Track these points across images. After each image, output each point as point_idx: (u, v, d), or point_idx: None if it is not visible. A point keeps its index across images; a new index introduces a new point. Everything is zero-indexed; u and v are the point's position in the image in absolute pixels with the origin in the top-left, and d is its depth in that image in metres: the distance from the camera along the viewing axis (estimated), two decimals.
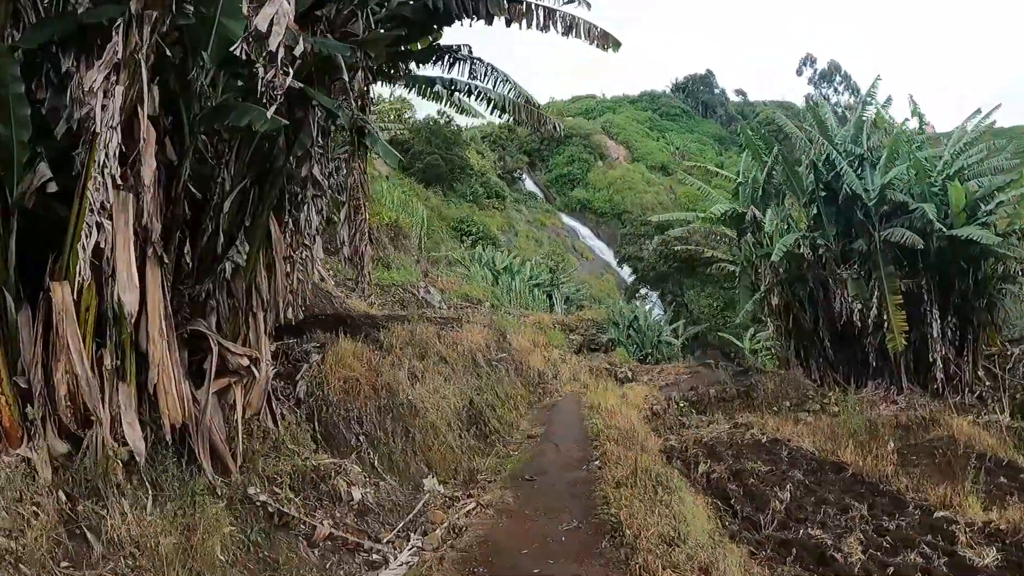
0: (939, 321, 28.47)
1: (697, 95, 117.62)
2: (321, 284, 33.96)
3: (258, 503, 10.01)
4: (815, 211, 29.94)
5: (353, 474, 11.73)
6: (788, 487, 15.31)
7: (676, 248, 39.40)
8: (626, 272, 76.52)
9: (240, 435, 10.48)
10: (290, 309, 13.19)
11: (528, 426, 19.78)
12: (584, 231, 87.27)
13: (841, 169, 28.06)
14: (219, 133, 11.04)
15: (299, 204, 12.64)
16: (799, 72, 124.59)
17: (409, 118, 78.97)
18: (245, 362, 10.69)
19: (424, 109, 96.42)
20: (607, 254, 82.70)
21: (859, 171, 28.79)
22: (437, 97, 17.38)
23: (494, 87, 16.22)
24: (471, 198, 78.28)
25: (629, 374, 33.16)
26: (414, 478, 13.35)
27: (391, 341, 16.65)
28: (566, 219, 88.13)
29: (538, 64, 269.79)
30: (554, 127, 16.82)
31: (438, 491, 13.09)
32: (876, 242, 28.04)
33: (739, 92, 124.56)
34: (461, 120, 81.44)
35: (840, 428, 21.18)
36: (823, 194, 29.37)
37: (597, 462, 14.44)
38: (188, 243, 10.54)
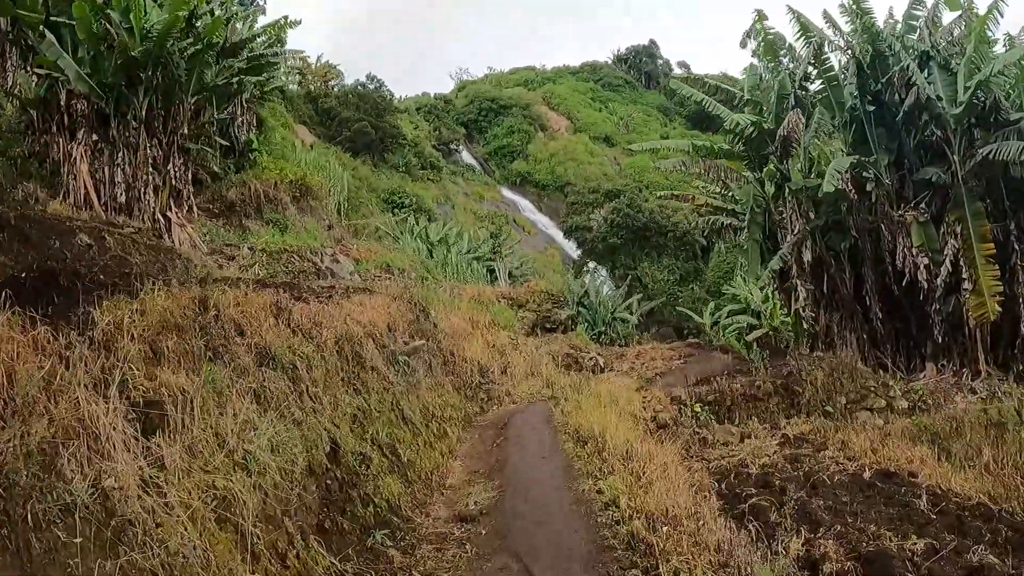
0: None
1: (640, 66, 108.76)
2: (192, 250, 24.95)
3: None
4: (854, 134, 20.70)
5: None
6: None
7: (658, 194, 29.65)
8: (572, 247, 67.98)
9: None
10: None
11: (461, 480, 10.06)
12: (525, 204, 77.72)
13: (905, 68, 18.88)
14: None
15: None
16: (743, 44, 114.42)
17: (335, 85, 71.04)
18: None
19: (352, 75, 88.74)
20: (551, 228, 73.57)
21: (926, 75, 19.56)
22: None
23: None
24: (404, 169, 69.24)
25: (600, 361, 23.55)
26: None
27: (114, 319, 6.59)
28: (506, 192, 78.82)
29: (478, 36, 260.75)
30: None
31: None
32: (956, 169, 18.85)
33: (682, 64, 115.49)
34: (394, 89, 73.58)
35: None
36: (870, 108, 20.06)
37: None
38: None
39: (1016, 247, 19.42)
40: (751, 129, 20.66)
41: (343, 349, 9.69)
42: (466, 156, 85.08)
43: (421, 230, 49.91)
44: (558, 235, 71.17)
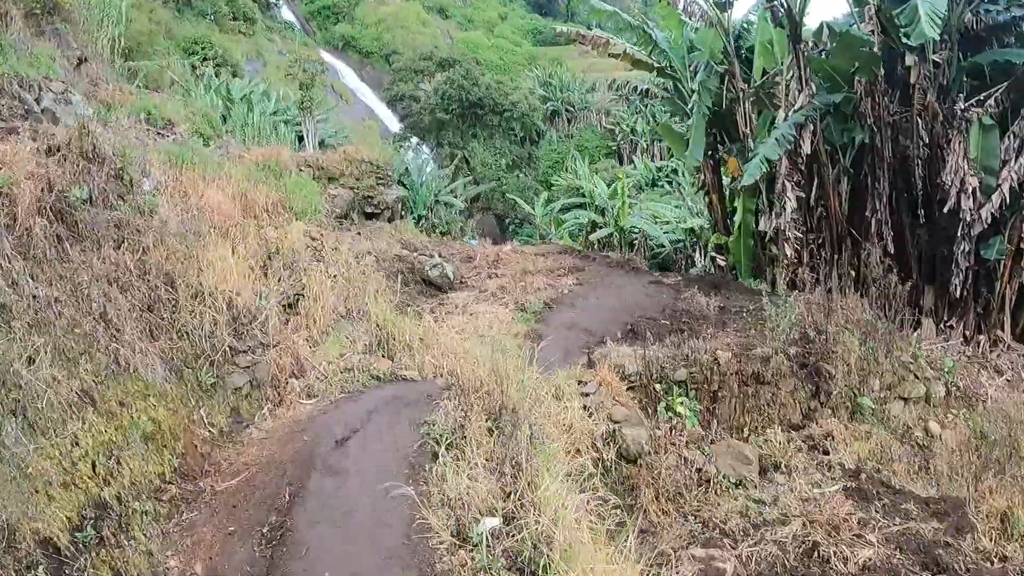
0: None
1: None
2: None
3: None
4: None
5: None
6: None
7: (556, 29, 20.61)
8: (393, 120, 58.72)
9: None
10: None
11: None
12: (346, 71, 67.67)
13: None
14: None
15: None
16: None
17: None
18: None
19: None
20: (371, 99, 64.25)
21: None
22: None
23: None
24: (212, 18, 58.54)
25: (448, 271, 14.91)
26: None
27: None
28: (326, 56, 68.08)
29: None
30: None
31: None
32: None
33: None
34: None
35: None
36: None
37: None
38: None
39: None
40: None
41: None
42: (286, 12, 73.61)
43: (221, 84, 39.61)
44: (380, 107, 62.03)
